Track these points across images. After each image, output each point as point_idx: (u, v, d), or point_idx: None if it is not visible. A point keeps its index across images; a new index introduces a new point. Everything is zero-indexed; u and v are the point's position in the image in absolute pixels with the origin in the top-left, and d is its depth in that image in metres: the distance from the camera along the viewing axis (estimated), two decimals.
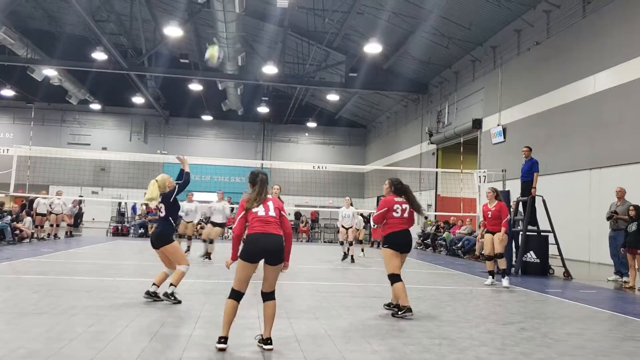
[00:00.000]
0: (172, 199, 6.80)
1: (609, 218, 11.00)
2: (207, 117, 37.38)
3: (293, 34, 25.03)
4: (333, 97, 30.78)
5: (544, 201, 11.83)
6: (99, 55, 24.30)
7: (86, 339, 4.72)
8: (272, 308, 4.68)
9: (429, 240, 20.30)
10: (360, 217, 17.16)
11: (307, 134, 39.76)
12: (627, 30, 13.98)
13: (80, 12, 20.77)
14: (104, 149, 35.52)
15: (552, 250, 11.79)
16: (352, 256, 13.98)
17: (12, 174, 15.57)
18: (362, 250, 16.66)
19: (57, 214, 18.05)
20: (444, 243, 18.70)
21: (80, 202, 25.03)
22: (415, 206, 6.67)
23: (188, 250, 13.31)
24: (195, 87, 30.79)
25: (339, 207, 15.68)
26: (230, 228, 18.80)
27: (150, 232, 13.97)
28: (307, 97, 35.01)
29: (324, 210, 30.07)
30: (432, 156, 26.25)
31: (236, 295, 4.64)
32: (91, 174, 35.19)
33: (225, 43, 22.08)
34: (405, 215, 6.59)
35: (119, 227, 24.07)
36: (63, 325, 5.24)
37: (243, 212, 4.80)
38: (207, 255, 12.63)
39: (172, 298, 6.52)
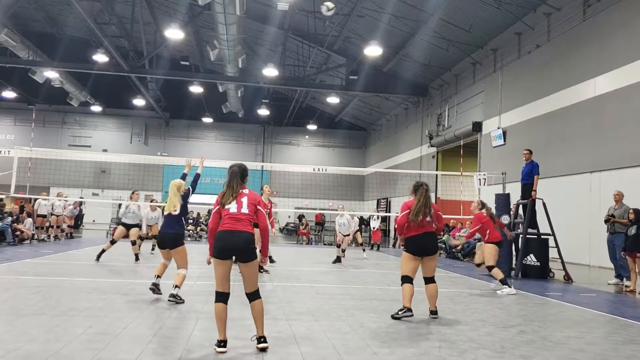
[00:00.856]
0: (186, 201, 7.29)
1: (606, 221, 11.00)
2: (207, 120, 37.43)
3: (294, 37, 25.07)
4: (333, 99, 30.78)
5: (544, 204, 11.82)
6: (100, 58, 24.33)
7: (86, 340, 4.73)
8: (259, 307, 4.69)
9: None
10: (357, 219, 17.23)
11: (307, 137, 39.81)
12: (627, 34, 13.98)
13: (82, 15, 20.84)
14: (105, 150, 35.59)
15: (553, 253, 11.76)
16: (338, 257, 14.33)
17: (12, 176, 15.56)
18: (364, 250, 16.97)
19: (57, 216, 18.08)
20: (444, 246, 18.68)
21: (80, 203, 25.01)
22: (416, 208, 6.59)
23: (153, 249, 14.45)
24: (196, 89, 30.84)
25: (337, 210, 15.97)
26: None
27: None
28: (307, 100, 35.06)
29: (327, 212, 30.07)
30: (432, 159, 26.25)
31: (221, 297, 4.66)
32: (92, 175, 35.23)
33: (225, 45, 22.12)
34: (428, 219, 6.48)
35: None
36: (62, 326, 5.24)
37: (217, 207, 4.83)
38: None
39: (177, 298, 6.86)
